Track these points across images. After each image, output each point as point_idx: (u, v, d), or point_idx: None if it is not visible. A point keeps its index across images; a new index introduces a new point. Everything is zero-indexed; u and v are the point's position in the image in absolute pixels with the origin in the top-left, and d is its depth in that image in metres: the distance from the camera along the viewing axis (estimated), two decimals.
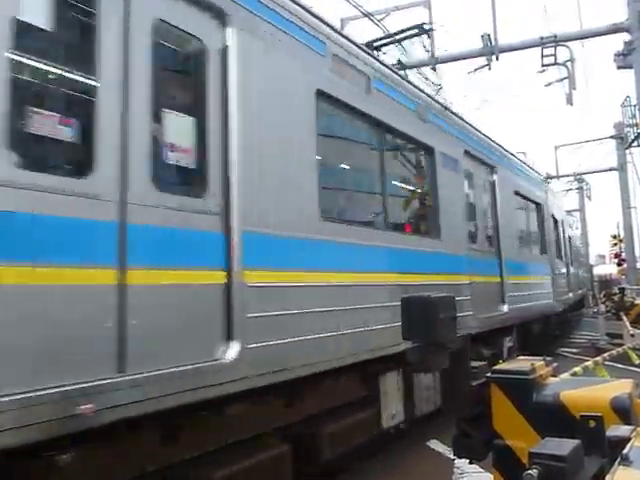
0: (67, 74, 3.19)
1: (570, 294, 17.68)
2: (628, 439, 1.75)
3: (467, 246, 8.17)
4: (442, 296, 2.48)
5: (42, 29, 3.06)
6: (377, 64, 6.53)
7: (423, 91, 8.18)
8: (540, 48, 13.50)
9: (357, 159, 6.55)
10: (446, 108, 8.55)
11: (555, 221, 15.87)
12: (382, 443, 6.67)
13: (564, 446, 1.74)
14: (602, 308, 18.07)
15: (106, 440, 3.22)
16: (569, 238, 20.45)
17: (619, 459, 1.54)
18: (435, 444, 7.06)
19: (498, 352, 8.98)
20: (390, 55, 11.74)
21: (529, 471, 1.70)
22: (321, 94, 5.11)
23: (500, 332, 9.20)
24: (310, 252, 4.64)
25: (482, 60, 13.49)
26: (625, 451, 1.58)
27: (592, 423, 1.98)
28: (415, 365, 2.64)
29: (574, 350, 15.29)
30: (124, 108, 3.29)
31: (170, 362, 3.31)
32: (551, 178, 31.31)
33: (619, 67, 14.47)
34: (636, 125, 19.08)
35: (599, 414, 2.00)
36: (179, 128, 3.74)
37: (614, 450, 1.76)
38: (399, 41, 10.04)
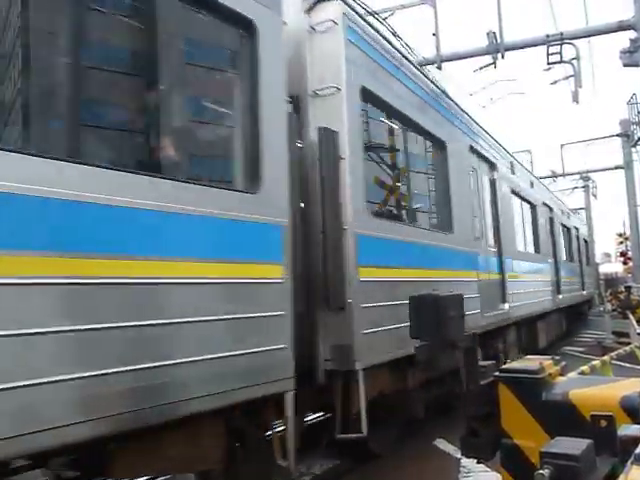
0: None
1: (483, 316, 8.28)
2: None
3: None
4: (451, 295, 2.47)
5: None
6: None
7: None
8: (546, 46, 13.43)
9: None
10: None
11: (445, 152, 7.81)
12: (389, 442, 6.66)
13: (576, 445, 1.73)
14: (608, 306, 17.96)
15: None
16: (534, 208, 13.86)
17: (632, 458, 1.53)
18: (441, 443, 7.05)
19: None
20: None
21: (541, 471, 1.69)
22: None
23: None
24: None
25: (488, 58, 13.44)
26: (638, 450, 1.56)
27: (603, 423, 1.96)
28: (425, 364, 2.63)
29: (580, 349, 15.23)
30: None
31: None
32: (557, 176, 31.20)
33: (625, 65, 14.37)
34: None
35: (610, 413, 1.99)
36: None
37: (625, 450, 1.75)
38: None
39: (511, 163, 12.20)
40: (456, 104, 9.09)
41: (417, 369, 5.89)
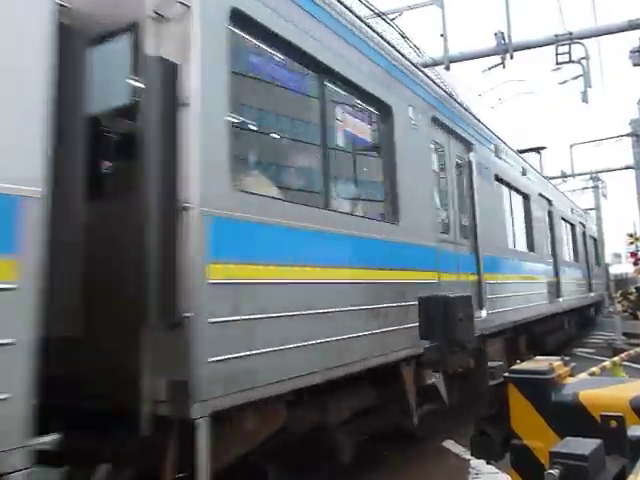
0: None
1: None
2: None
3: None
4: (461, 296, 2.48)
5: None
6: None
7: None
8: (555, 46, 13.37)
9: None
10: None
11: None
12: (396, 443, 6.67)
13: (585, 445, 1.74)
14: (618, 308, 17.84)
15: None
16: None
17: None
18: (450, 444, 7.04)
19: None
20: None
21: (550, 470, 1.70)
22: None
23: None
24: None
25: (496, 58, 13.39)
26: None
27: (613, 423, 1.97)
28: (434, 364, 2.65)
29: (590, 350, 15.14)
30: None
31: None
32: (567, 177, 31.01)
33: (635, 64, 14.27)
34: None
35: (620, 414, 1.99)
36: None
37: (635, 450, 1.75)
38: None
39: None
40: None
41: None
